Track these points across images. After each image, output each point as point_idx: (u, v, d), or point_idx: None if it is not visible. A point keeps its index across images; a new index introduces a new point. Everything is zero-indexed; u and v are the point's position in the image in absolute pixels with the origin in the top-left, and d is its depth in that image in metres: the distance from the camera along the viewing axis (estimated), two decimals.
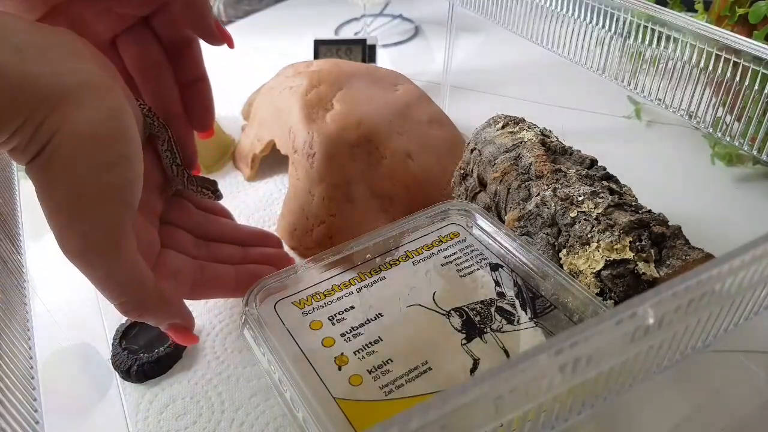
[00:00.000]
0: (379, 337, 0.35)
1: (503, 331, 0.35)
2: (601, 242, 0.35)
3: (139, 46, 0.38)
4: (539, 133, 0.44)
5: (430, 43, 0.89)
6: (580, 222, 0.37)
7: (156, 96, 0.39)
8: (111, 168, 0.29)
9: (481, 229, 0.41)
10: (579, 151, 0.44)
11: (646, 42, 0.44)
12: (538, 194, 0.39)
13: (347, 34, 0.91)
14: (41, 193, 0.28)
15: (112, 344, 0.41)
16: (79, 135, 0.28)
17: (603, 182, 0.40)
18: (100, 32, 0.36)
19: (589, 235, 0.36)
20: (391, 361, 0.33)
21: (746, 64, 0.38)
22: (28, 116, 0.26)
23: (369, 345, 0.34)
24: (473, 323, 0.35)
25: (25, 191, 0.46)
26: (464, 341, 0.34)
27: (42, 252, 0.50)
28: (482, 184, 0.45)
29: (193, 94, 0.40)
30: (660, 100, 0.44)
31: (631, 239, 0.35)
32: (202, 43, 0.39)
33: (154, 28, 0.38)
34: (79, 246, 0.29)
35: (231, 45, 0.38)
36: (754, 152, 0.39)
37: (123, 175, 0.30)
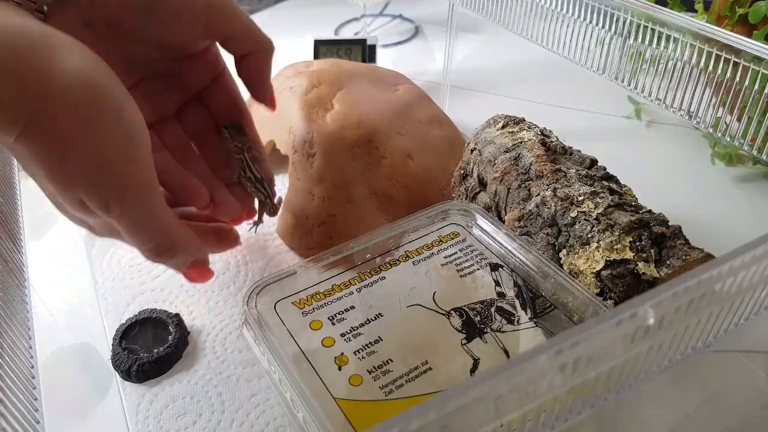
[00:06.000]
0: (379, 337, 0.35)
1: (503, 331, 0.35)
2: (601, 242, 0.35)
3: (196, 117, 0.41)
4: (539, 133, 0.44)
5: (430, 43, 0.89)
6: (580, 222, 0.37)
7: (206, 156, 0.42)
8: (121, 106, 0.29)
9: (481, 229, 0.41)
10: (579, 151, 0.44)
11: (646, 42, 0.44)
12: (538, 194, 0.39)
13: (347, 34, 0.91)
14: (53, 159, 0.27)
15: (112, 344, 0.41)
16: (73, 84, 0.26)
17: (603, 182, 0.40)
18: (169, 106, 0.40)
19: (589, 235, 0.36)
20: (391, 361, 0.33)
21: (746, 64, 0.38)
22: (1, 77, 0.25)
23: (369, 345, 0.34)
24: (473, 323, 0.35)
25: (26, 191, 0.46)
26: (464, 341, 0.34)
27: (42, 252, 0.51)
28: (482, 184, 0.45)
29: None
30: (660, 100, 0.44)
31: (631, 239, 0.35)
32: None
33: (209, 100, 0.41)
34: (116, 192, 0.28)
35: (273, 108, 0.42)
36: (754, 152, 0.39)
37: (132, 111, 0.29)
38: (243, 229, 0.53)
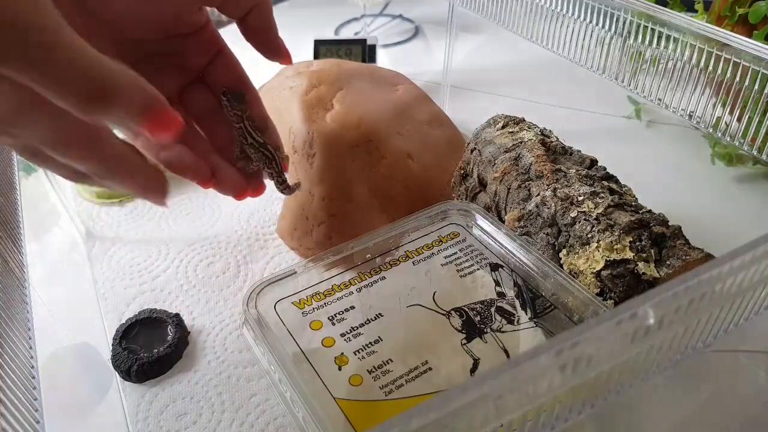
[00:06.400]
0: (379, 337, 0.35)
1: (503, 331, 0.35)
2: (601, 242, 0.35)
3: (200, 99, 0.40)
4: (539, 133, 0.44)
5: (430, 43, 0.89)
6: (580, 222, 0.37)
7: (211, 137, 0.40)
8: None
9: (481, 229, 0.41)
10: (579, 151, 0.44)
11: (646, 42, 0.44)
12: (538, 194, 0.39)
13: (347, 34, 0.91)
14: None
15: (112, 344, 0.41)
16: None
17: (603, 182, 0.40)
18: (169, 88, 0.39)
19: (589, 235, 0.36)
20: (391, 361, 0.33)
21: (746, 64, 0.38)
22: None
23: (369, 345, 0.34)
24: (473, 323, 0.35)
25: (26, 191, 0.46)
26: (464, 341, 0.34)
27: (42, 252, 0.51)
28: (482, 184, 0.45)
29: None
30: (660, 100, 0.44)
31: (631, 239, 0.35)
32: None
33: (211, 79, 0.40)
34: (12, 34, 0.24)
35: (290, 62, 0.40)
36: (754, 152, 0.39)
37: None
38: (244, 229, 0.53)
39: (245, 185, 0.40)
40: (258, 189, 0.41)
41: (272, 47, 0.39)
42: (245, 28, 0.38)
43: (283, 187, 0.41)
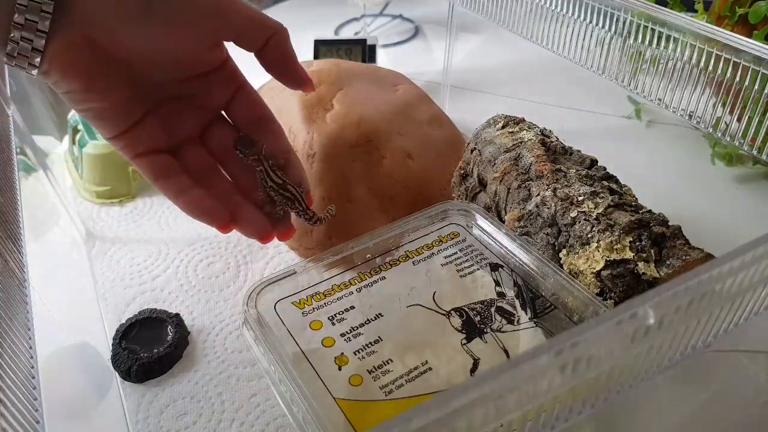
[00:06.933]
0: (379, 337, 0.35)
1: (503, 331, 0.35)
2: (601, 242, 0.35)
3: (222, 138, 0.39)
4: (539, 133, 0.44)
5: (430, 43, 0.89)
6: (580, 222, 0.37)
7: (236, 177, 0.40)
8: None
9: (481, 229, 0.41)
10: (579, 151, 0.44)
11: (646, 42, 0.44)
12: (538, 194, 0.39)
13: (347, 34, 0.91)
14: None
15: (112, 344, 0.41)
16: None
17: (603, 182, 0.40)
18: (191, 129, 0.39)
19: (589, 235, 0.36)
20: (391, 361, 0.33)
21: (746, 64, 0.38)
22: None
23: (369, 345, 0.34)
24: (473, 323, 0.35)
25: (26, 191, 0.46)
26: (464, 341, 0.34)
27: (42, 252, 0.51)
28: (482, 184, 0.45)
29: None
30: (660, 100, 0.44)
31: (631, 239, 0.35)
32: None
33: (233, 115, 0.40)
34: None
35: (312, 89, 0.40)
36: (754, 152, 0.39)
37: None
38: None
39: (270, 228, 0.39)
40: (286, 233, 0.40)
41: (294, 76, 0.38)
42: (264, 59, 0.37)
43: (314, 221, 0.40)
